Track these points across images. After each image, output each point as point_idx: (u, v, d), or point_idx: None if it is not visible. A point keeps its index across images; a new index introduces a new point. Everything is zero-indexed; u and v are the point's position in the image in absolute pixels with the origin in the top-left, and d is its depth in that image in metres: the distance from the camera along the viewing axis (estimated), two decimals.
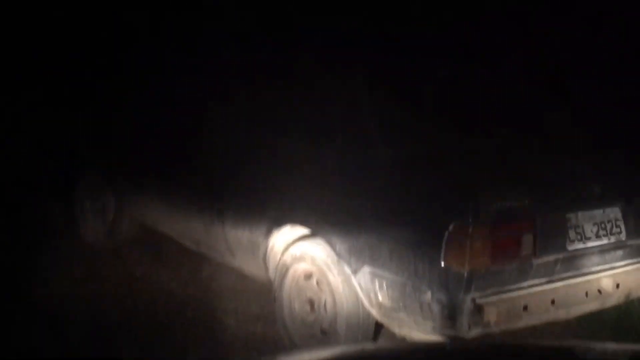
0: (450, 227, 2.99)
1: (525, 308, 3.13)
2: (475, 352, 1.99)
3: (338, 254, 3.37)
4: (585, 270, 3.36)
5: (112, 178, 4.97)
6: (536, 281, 3.19)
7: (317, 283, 3.52)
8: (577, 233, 3.29)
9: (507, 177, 3.31)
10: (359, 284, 3.32)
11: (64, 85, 6.20)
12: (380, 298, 3.25)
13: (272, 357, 2.41)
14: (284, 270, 3.64)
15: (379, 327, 3.51)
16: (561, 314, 3.32)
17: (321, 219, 3.48)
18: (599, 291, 3.38)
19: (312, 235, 3.52)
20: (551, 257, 3.20)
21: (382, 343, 3.52)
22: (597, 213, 3.38)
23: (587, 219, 3.34)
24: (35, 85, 6.39)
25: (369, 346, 2.99)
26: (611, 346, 2.45)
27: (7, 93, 6.30)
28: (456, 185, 3.18)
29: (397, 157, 3.39)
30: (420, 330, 3.22)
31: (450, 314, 3.02)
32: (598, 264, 3.40)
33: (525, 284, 3.16)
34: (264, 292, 4.13)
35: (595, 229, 3.36)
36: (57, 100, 5.99)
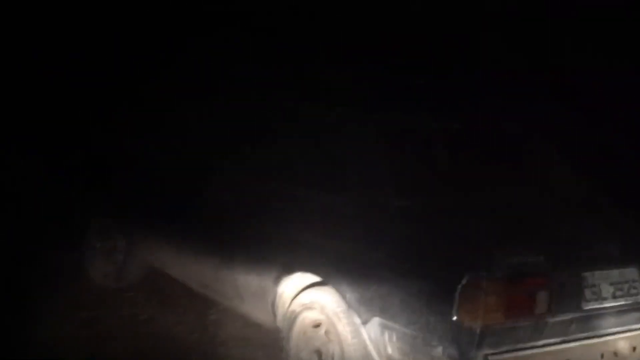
0: (464, 281, 2.94)
1: None
2: None
3: (348, 304, 3.33)
4: (602, 331, 3.27)
5: (123, 220, 4.97)
6: (551, 340, 3.11)
7: (326, 333, 3.46)
8: (593, 293, 3.23)
9: (523, 233, 3.27)
10: (369, 335, 3.26)
11: (76, 123, 6.26)
12: (389, 350, 3.19)
13: None
14: (293, 318, 3.59)
15: None
16: None
17: (332, 268, 3.44)
18: (615, 354, 3.29)
19: (323, 283, 3.48)
20: (566, 316, 3.13)
21: None
22: (614, 273, 3.32)
23: (603, 279, 3.27)
24: (47, 121, 6.46)
25: None
26: None
27: (20, 129, 6.37)
28: (471, 239, 3.13)
29: (411, 209, 3.35)
30: None
31: None
32: (614, 326, 3.31)
33: (539, 342, 3.09)
34: (271, 340, 4.07)
35: (612, 289, 3.29)
36: (68, 140, 6.04)
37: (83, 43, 6.64)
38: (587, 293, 3.20)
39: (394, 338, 3.17)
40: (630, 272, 3.36)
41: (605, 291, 3.26)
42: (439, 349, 3.00)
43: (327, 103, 3.99)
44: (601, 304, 3.24)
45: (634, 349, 3.34)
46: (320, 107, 3.98)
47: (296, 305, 3.58)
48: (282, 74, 4.39)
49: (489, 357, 2.94)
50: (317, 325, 3.50)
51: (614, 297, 3.29)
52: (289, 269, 3.62)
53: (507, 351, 2.99)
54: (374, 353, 3.26)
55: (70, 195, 5.41)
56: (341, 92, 4.19)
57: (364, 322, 3.27)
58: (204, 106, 4.64)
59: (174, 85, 5.04)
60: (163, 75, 5.73)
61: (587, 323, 3.21)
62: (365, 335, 3.27)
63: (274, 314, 3.73)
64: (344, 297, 3.34)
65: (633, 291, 3.35)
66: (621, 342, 3.31)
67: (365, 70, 4.51)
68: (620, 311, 3.31)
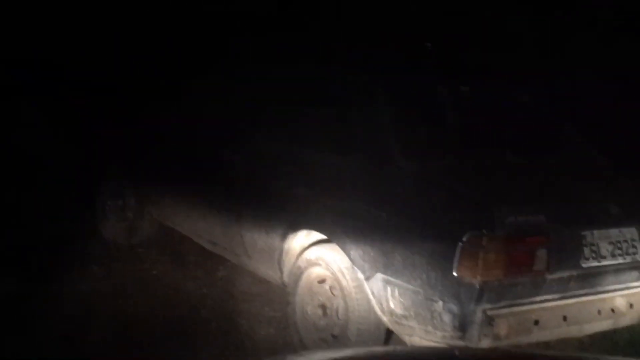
0: (465, 238, 3.01)
1: (536, 322, 3.13)
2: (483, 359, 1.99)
3: (352, 260, 3.40)
4: (599, 288, 3.35)
5: (134, 178, 5.06)
6: (549, 296, 3.19)
7: (330, 288, 3.56)
8: (592, 251, 3.29)
9: (524, 193, 3.33)
10: (372, 291, 3.35)
11: (88, 86, 6.34)
12: (392, 305, 3.27)
13: (282, 357, 2.43)
14: (298, 274, 3.69)
15: (389, 334, 3.53)
16: (573, 331, 3.32)
17: (337, 226, 3.52)
18: (612, 310, 3.37)
19: (327, 240, 3.56)
20: (565, 273, 3.20)
21: (391, 347, 3.53)
22: (613, 232, 3.38)
23: (603, 238, 3.34)
24: (60, 86, 6.54)
25: (378, 349, 3.01)
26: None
27: (32, 93, 6.45)
28: (473, 197, 3.20)
29: (415, 168, 3.41)
30: (430, 339, 3.23)
31: (461, 325, 3.04)
32: (612, 283, 3.39)
33: (537, 298, 3.17)
34: (278, 295, 4.18)
35: (610, 248, 3.35)
36: (81, 101, 6.12)
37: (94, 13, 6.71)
38: (586, 251, 3.27)
39: (396, 293, 3.25)
40: (629, 231, 3.42)
41: (604, 250, 3.33)
42: (440, 304, 3.08)
43: (334, 64, 4.03)
44: (600, 262, 3.31)
45: (631, 305, 3.42)
46: (327, 68, 4.02)
47: (302, 262, 3.67)
48: (285, 34, 4.42)
49: (488, 312, 3.02)
50: (322, 281, 3.60)
51: (613, 256, 3.35)
52: (294, 227, 3.70)
53: (505, 306, 3.07)
54: (376, 308, 3.35)
55: (82, 155, 5.52)
56: (348, 53, 4.22)
57: (367, 278, 3.35)
58: (211, 67, 4.69)
59: (182, 47, 5.09)
60: (169, 38, 5.80)
61: (585, 280, 3.29)
62: (368, 291, 3.36)
63: (281, 271, 3.83)
64: (348, 254, 3.42)
65: (631, 250, 3.41)
66: (618, 299, 3.39)
67: (373, 31, 4.53)
68: (618, 269, 3.38)
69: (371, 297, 3.36)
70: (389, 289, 3.28)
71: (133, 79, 6.12)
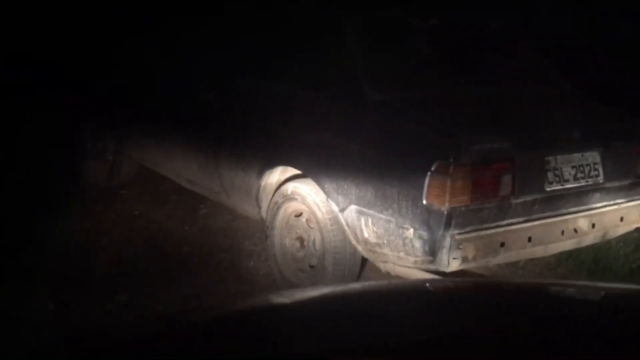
0: (433, 167, 3.12)
1: (502, 244, 3.27)
2: (455, 290, 2.09)
3: (327, 194, 3.52)
4: (563, 210, 3.49)
5: (112, 120, 5.09)
6: (514, 220, 3.33)
7: (307, 221, 3.68)
8: (555, 175, 3.42)
9: (488, 120, 3.43)
10: (346, 222, 3.47)
11: (63, 30, 6.27)
12: (365, 235, 3.40)
13: (265, 296, 2.54)
14: (276, 209, 3.80)
15: (364, 262, 3.68)
16: (538, 251, 3.47)
17: (311, 160, 3.62)
18: (575, 230, 3.52)
19: (303, 175, 3.66)
20: (529, 197, 3.33)
21: (367, 283, 3.68)
22: (576, 157, 3.50)
23: (565, 162, 3.46)
24: (36, 30, 6.47)
25: (355, 285, 3.14)
26: (584, 284, 2.59)
27: (11, 38, 6.39)
28: (439, 128, 3.29)
29: (384, 101, 3.49)
30: (403, 265, 3.39)
31: (431, 250, 3.17)
32: (575, 205, 3.53)
33: (503, 222, 3.30)
34: (257, 230, 4.31)
35: (573, 172, 3.48)
36: (56, 45, 6.07)
37: None
38: (550, 175, 3.40)
39: (370, 223, 3.37)
40: (591, 155, 3.54)
41: (567, 173, 3.46)
42: (411, 231, 3.21)
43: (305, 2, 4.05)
44: (563, 185, 3.44)
45: (593, 225, 3.57)
46: (297, 3, 4.04)
47: (278, 197, 3.78)
48: None
49: (456, 237, 3.15)
50: (299, 215, 3.72)
51: (575, 179, 3.49)
52: (271, 164, 3.80)
53: (473, 230, 3.20)
54: (351, 238, 3.48)
55: (60, 98, 5.51)
56: None
57: (342, 210, 3.47)
58: (185, 5, 4.68)
59: None
60: None
61: (549, 203, 3.42)
62: (343, 222, 3.48)
63: (259, 206, 3.94)
64: (322, 187, 3.53)
65: (593, 173, 3.54)
66: (581, 220, 3.53)
67: None
68: (580, 192, 3.52)
69: (346, 227, 3.48)
70: (362, 219, 3.40)
71: (109, 20, 6.07)
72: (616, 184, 3.64)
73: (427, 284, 2.34)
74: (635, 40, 5.30)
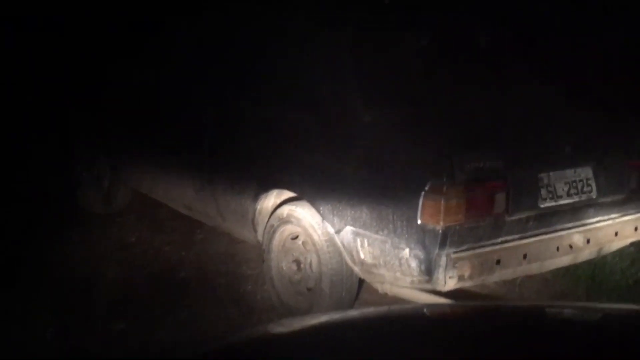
0: (427, 187, 3.14)
1: (498, 262, 3.28)
2: (453, 315, 2.09)
3: (322, 215, 3.52)
4: (557, 226, 3.50)
5: (106, 146, 5.11)
6: (509, 237, 3.34)
7: (303, 243, 3.69)
8: (549, 192, 3.44)
9: (481, 139, 3.45)
10: (342, 243, 3.47)
11: (58, 57, 6.31)
12: (362, 256, 3.41)
13: (264, 327, 2.54)
14: (272, 232, 3.80)
15: (361, 283, 3.69)
16: (534, 268, 3.48)
17: (306, 183, 3.63)
18: (570, 246, 3.53)
19: (298, 198, 3.67)
20: (523, 215, 3.35)
21: (365, 309, 3.67)
22: (569, 173, 3.53)
23: (558, 179, 3.49)
24: (29, 57, 6.50)
25: (353, 312, 3.14)
26: (581, 305, 2.59)
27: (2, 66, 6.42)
28: (432, 147, 3.31)
29: (377, 121, 3.51)
30: (400, 285, 3.39)
31: (427, 269, 3.18)
32: (569, 221, 3.55)
33: (498, 240, 3.31)
34: (254, 254, 4.31)
35: (566, 188, 3.51)
36: (51, 71, 6.10)
37: None
38: (543, 192, 3.42)
39: (366, 244, 3.38)
40: (584, 171, 3.57)
41: (560, 190, 3.48)
42: (406, 251, 3.22)
43: (296, 20, 4.07)
44: (557, 201, 3.46)
45: (588, 241, 3.59)
46: (290, 24, 4.07)
47: (274, 220, 3.78)
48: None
49: (452, 255, 3.16)
50: (295, 237, 3.73)
51: (569, 195, 3.51)
52: (266, 187, 3.81)
53: (468, 249, 3.22)
54: (347, 259, 3.48)
55: (55, 127, 5.54)
56: (310, 8, 4.26)
57: (338, 232, 3.47)
58: (177, 29, 4.72)
59: (152, 17, 5.10)
60: (141, 8, 5.76)
61: (544, 220, 3.44)
62: (339, 244, 3.49)
63: (255, 230, 3.94)
64: (318, 209, 3.54)
65: (587, 189, 3.57)
66: (576, 235, 3.55)
67: None
68: (574, 208, 3.54)
69: (342, 249, 3.48)
70: (358, 240, 3.40)
71: (101, 48, 6.11)
72: (609, 199, 3.67)
73: (425, 310, 2.35)
74: (627, 51, 5.35)
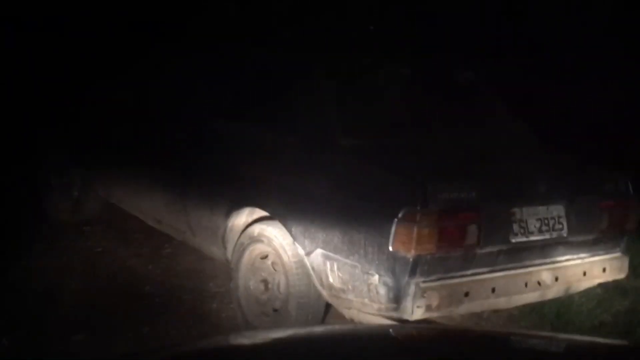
0: (400, 214, 3.13)
1: (466, 294, 3.27)
2: (417, 337, 2.08)
3: (293, 237, 3.50)
4: (527, 262, 3.51)
5: (77, 155, 5.06)
6: (479, 270, 3.34)
7: (272, 264, 3.65)
8: (520, 227, 3.45)
9: (456, 171, 3.47)
10: (312, 266, 3.45)
11: (30, 67, 6.27)
12: (331, 280, 3.38)
13: (225, 337, 2.51)
14: (242, 250, 3.77)
15: (328, 307, 3.65)
16: (501, 302, 3.48)
17: (279, 203, 3.61)
18: (539, 283, 3.54)
19: (270, 217, 3.65)
20: (494, 248, 3.35)
21: (330, 326, 3.65)
22: (542, 209, 3.54)
23: (531, 215, 3.50)
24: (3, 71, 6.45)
25: (318, 329, 3.11)
26: (547, 335, 2.60)
27: None
28: (407, 175, 3.31)
29: (352, 147, 3.52)
30: (367, 312, 3.36)
31: (395, 297, 3.16)
32: (539, 258, 3.56)
33: (468, 271, 3.31)
34: (222, 272, 4.27)
35: (538, 224, 3.52)
36: (22, 81, 6.05)
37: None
38: (515, 227, 3.43)
39: (335, 268, 3.35)
40: (556, 208, 3.59)
41: (532, 226, 3.49)
42: (376, 278, 3.20)
43: (276, 45, 4.10)
44: (528, 237, 3.47)
45: (557, 279, 3.60)
46: (269, 48, 4.09)
47: (245, 239, 3.75)
48: (230, 15, 4.47)
49: (421, 285, 3.15)
50: (264, 257, 3.69)
51: (540, 232, 3.52)
52: (238, 205, 3.78)
53: (438, 279, 3.21)
54: (316, 282, 3.45)
55: (25, 133, 5.47)
56: (291, 34, 4.30)
57: (308, 254, 3.45)
58: (154, 46, 4.72)
59: (124, 27, 5.10)
60: (112, 19, 5.78)
61: (514, 255, 3.45)
62: (308, 266, 3.46)
63: (225, 247, 3.90)
64: (289, 230, 3.51)
65: (558, 226, 3.58)
66: (545, 273, 3.56)
67: (316, 12, 4.61)
68: (545, 245, 3.55)
69: (311, 272, 3.46)
70: (328, 263, 3.38)
71: (77, 57, 6.09)
72: (580, 238, 3.69)
73: (390, 330, 2.33)
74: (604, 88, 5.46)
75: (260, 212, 3.71)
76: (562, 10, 6.17)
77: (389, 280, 3.17)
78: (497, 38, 5.76)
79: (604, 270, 3.80)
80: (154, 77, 4.61)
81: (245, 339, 1.90)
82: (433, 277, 3.19)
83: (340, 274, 3.35)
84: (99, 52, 5.47)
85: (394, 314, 3.23)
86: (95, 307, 3.80)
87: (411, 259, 3.12)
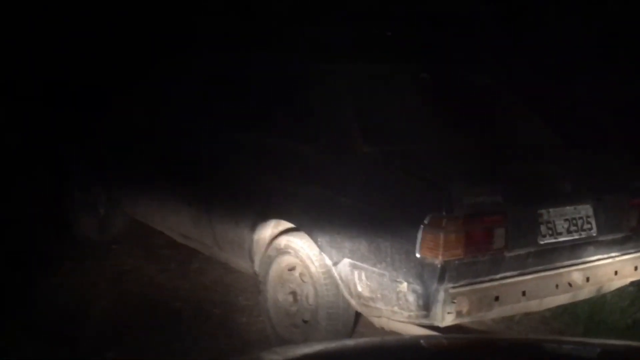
0: (426, 220, 3.11)
1: (497, 299, 3.24)
2: (449, 347, 2.06)
3: (320, 247, 3.49)
4: (557, 264, 3.47)
5: (102, 173, 5.10)
6: (508, 273, 3.30)
7: (300, 275, 3.65)
8: (548, 228, 3.41)
9: (481, 174, 3.44)
10: (340, 276, 3.44)
11: (55, 85, 6.35)
12: (359, 289, 3.37)
13: (256, 356, 2.50)
14: (269, 263, 3.77)
15: (358, 316, 3.64)
16: (532, 305, 3.44)
17: (304, 214, 3.60)
18: (570, 284, 3.49)
19: (296, 229, 3.64)
20: (522, 251, 3.32)
21: (361, 340, 3.62)
22: (569, 210, 3.50)
23: (558, 215, 3.46)
24: (31, 83, 6.55)
25: (349, 342, 3.09)
26: (581, 341, 2.56)
27: (4, 93, 6.45)
28: (431, 181, 3.29)
29: (375, 154, 3.51)
30: (396, 320, 3.34)
31: (425, 304, 3.14)
32: (569, 259, 3.51)
33: (497, 275, 3.27)
34: (250, 285, 4.27)
35: (566, 225, 3.48)
36: (48, 100, 6.13)
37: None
38: (543, 229, 3.39)
39: (363, 277, 3.34)
40: (583, 208, 3.55)
41: (560, 226, 3.45)
42: (404, 285, 3.18)
43: (294, 54, 4.11)
44: (556, 238, 3.43)
45: (588, 279, 3.55)
46: (288, 58, 4.10)
47: (272, 251, 3.75)
48: (245, 25, 4.49)
49: (450, 291, 3.12)
50: (292, 269, 3.69)
51: (569, 232, 3.48)
52: (263, 217, 3.78)
53: (467, 284, 3.18)
54: (345, 292, 3.44)
55: (51, 153, 5.53)
56: (309, 43, 4.31)
57: (335, 264, 3.44)
58: (174, 62, 4.75)
59: (148, 45, 5.14)
60: (138, 36, 5.83)
61: (543, 257, 3.41)
62: (336, 276, 3.45)
63: (252, 260, 3.91)
64: (316, 241, 3.51)
65: (586, 226, 3.54)
66: (575, 273, 3.51)
67: (333, 19, 4.61)
68: (574, 245, 3.51)
69: (339, 282, 3.45)
70: (355, 273, 3.37)
71: (100, 77, 6.16)
72: (610, 237, 3.64)
73: (421, 341, 2.31)
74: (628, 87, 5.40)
75: (285, 224, 3.72)
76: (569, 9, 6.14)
77: (417, 287, 3.15)
78: (505, 38, 5.73)
79: (636, 268, 3.75)
80: (175, 91, 4.64)
81: (275, 356, 1.90)
82: (462, 283, 3.16)
83: (368, 283, 3.33)
84: (123, 68, 5.52)
85: (424, 321, 3.21)
86: (125, 324, 3.81)
87: (439, 265, 3.09)
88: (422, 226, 3.11)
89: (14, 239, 4.85)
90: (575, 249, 3.53)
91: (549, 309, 3.95)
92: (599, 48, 5.66)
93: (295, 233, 3.65)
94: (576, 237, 3.51)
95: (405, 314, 3.23)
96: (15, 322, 3.74)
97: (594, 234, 3.57)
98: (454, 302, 3.12)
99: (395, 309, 3.25)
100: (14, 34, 6.71)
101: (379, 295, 3.30)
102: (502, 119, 4.00)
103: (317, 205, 3.55)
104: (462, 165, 3.48)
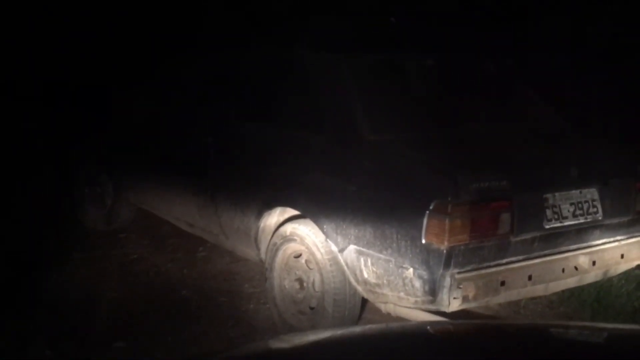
0: (431, 206, 3.11)
1: (502, 283, 3.24)
2: (456, 333, 2.07)
3: (326, 234, 3.50)
4: (562, 248, 3.47)
5: (109, 164, 5.12)
6: (514, 258, 3.31)
7: (306, 262, 3.66)
8: (554, 212, 3.41)
9: (486, 159, 3.43)
10: (346, 262, 3.45)
11: (63, 76, 6.36)
12: (365, 275, 3.38)
13: (264, 342, 2.51)
14: (275, 250, 3.78)
15: (364, 303, 3.65)
16: (538, 290, 3.44)
17: (310, 201, 3.61)
18: (576, 268, 3.49)
19: (301, 216, 3.65)
20: (528, 235, 3.32)
21: (367, 326, 3.64)
22: (574, 194, 3.50)
23: (564, 200, 3.46)
24: (36, 77, 6.56)
25: (356, 329, 3.10)
26: (587, 325, 2.56)
27: (11, 85, 6.47)
28: (436, 167, 3.29)
29: (380, 142, 3.50)
30: (403, 306, 3.36)
31: (431, 289, 3.14)
32: (575, 242, 3.51)
33: (503, 260, 3.27)
34: (256, 272, 4.29)
35: (572, 209, 3.48)
36: (56, 91, 6.14)
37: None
38: (548, 213, 3.39)
39: (369, 263, 3.35)
40: (589, 192, 3.54)
41: (566, 211, 3.45)
42: (410, 271, 3.19)
43: (297, 43, 4.09)
44: (562, 222, 3.43)
45: (594, 263, 3.55)
46: (291, 47, 4.09)
47: (277, 238, 3.76)
48: (249, 15, 4.48)
49: (456, 276, 3.13)
50: (298, 256, 3.70)
51: (574, 216, 3.48)
52: (269, 205, 3.79)
53: (473, 269, 3.18)
54: (351, 278, 3.45)
55: (58, 143, 5.55)
56: (312, 30, 4.29)
57: (341, 250, 3.45)
58: (179, 52, 4.75)
59: (154, 37, 5.14)
60: (142, 28, 5.83)
61: (549, 241, 3.41)
62: (342, 262, 3.46)
63: (258, 248, 3.92)
64: (321, 228, 3.51)
65: (592, 210, 3.54)
66: (581, 257, 3.51)
67: (336, 6, 4.59)
68: (580, 229, 3.50)
69: (345, 268, 3.46)
70: (362, 259, 3.38)
71: (105, 68, 6.16)
72: (615, 220, 3.63)
73: (428, 327, 2.32)
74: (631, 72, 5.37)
75: (291, 211, 3.73)
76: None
77: (423, 273, 3.15)
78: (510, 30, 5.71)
79: None
80: (181, 82, 4.64)
81: (282, 343, 1.91)
82: (468, 268, 3.17)
83: (374, 269, 3.34)
84: (130, 60, 5.52)
85: (431, 307, 3.22)
86: (134, 314, 3.84)
87: (445, 251, 3.09)
88: (427, 212, 3.11)
89: (22, 233, 4.87)
90: (581, 233, 3.52)
91: (556, 293, 3.96)
92: (604, 40, 5.64)
93: (301, 220, 3.66)
94: (582, 220, 3.50)
95: (412, 299, 3.24)
96: (24, 313, 3.76)
97: (600, 218, 3.56)
98: (460, 288, 3.13)
99: (402, 294, 3.26)
100: (15, 34, 6.72)
101: (385, 281, 3.31)
102: (508, 104, 3.98)
103: (323, 192, 3.55)
104: (467, 151, 3.47)
